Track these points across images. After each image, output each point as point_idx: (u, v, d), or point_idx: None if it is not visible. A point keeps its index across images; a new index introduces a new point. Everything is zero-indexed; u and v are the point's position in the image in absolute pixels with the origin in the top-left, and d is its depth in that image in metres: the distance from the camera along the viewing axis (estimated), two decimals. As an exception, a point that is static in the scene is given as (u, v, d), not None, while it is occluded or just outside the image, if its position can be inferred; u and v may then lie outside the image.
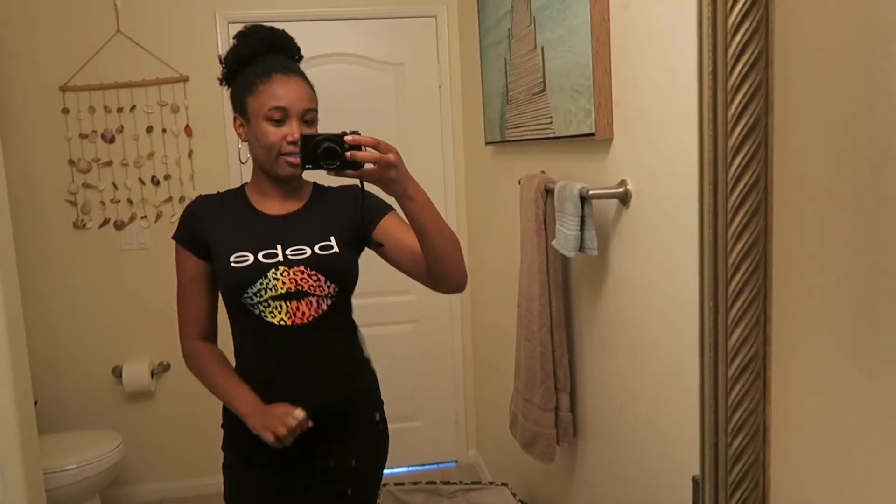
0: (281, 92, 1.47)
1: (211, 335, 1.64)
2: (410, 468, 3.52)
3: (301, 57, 1.62)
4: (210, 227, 1.57)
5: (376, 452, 1.70)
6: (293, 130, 1.46)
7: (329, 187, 1.64)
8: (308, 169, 1.25)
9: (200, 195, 1.65)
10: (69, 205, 3.10)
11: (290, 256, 1.50)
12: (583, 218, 1.56)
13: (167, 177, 3.15)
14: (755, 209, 0.73)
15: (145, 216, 3.16)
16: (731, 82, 0.70)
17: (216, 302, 1.63)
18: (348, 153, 1.21)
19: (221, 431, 1.65)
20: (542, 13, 1.85)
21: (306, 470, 1.58)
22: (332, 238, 1.53)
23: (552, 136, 1.85)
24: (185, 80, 3.10)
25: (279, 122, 1.47)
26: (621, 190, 1.50)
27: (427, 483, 2.52)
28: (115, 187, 3.13)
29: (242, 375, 1.55)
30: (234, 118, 1.57)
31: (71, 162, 3.08)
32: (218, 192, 1.66)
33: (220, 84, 1.60)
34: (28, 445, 2.19)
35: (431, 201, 1.34)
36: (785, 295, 0.81)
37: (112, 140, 3.09)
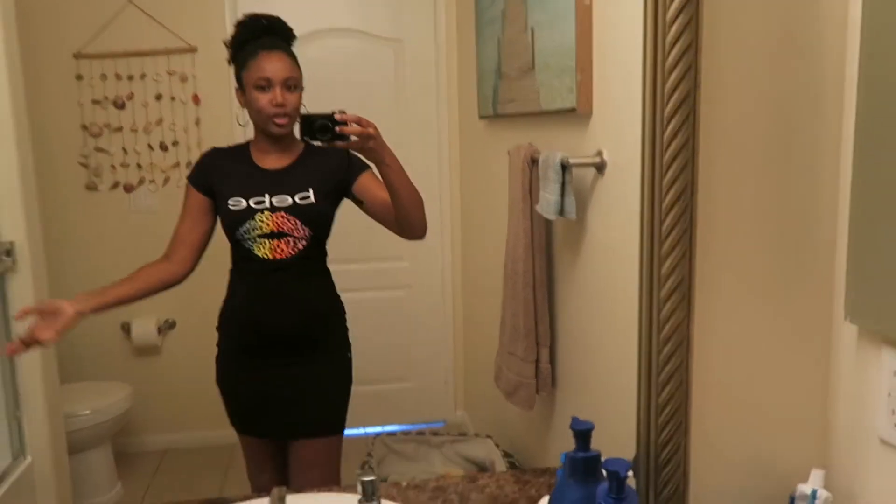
0: (265, 65, 1.81)
1: (180, 259, 1.96)
2: (401, 426, 3.70)
3: (293, 37, 1.93)
4: (216, 174, 1.93)
5: (339, 377, 2.04)
6: (276, 95, 1.80)
7: (318, 147, 1.83)
8: (307, 140, 1.60)
9: (214, 147, 2.01)
10: (82, 167, 3.26)
11: (274, 203, 1.86)
12: (563, 184, 1.73)
13: (175, 143, 3.30)
14: (684, 165, 0.92)
15: (153, 180, 3.32)
16: (668, 64, 0.88)
17: (201, 235, 1.96)
18: (338, 128, 1.55)
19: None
20: (533, -4, 2.01)
21: (273, 367, 1.95)
22: (311, 190, 1.87)
23: (538, 110, 2.02)
24: (193, 50, 3.24)
25: (265, 89, 1.81)
26: (598, 160, 1.67)
27: (417, 433, 2.71)
28: (125, 152, 3.28)
29: (231, 298, 1.98)
30: (235, 90, 1.91)
31: (84, 127, 3.23)
32: (228, 146, 2.01)
33: (228, 64, 1.92)
34: (51, 390, 2.37)
35: (402, 166, 1.69)
36: (707, 234, 1.08)
37: (122, 106, 3.24)
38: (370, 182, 1.88)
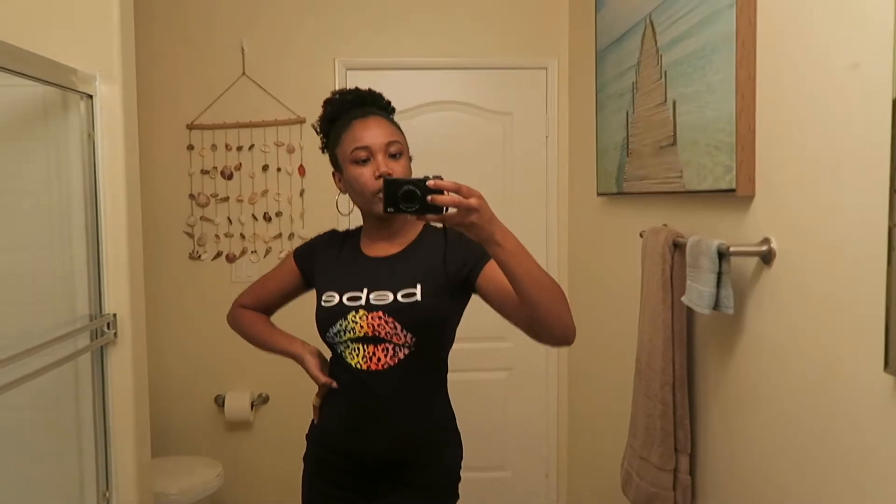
0: (360, 133, 1.53)
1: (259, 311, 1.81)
2: (497, 519, 3.45)
3: (392, 109, 1.67)
4: (320, 262, 1.70)
5: None
6: (379, 164, 1.50)
7: (441, 228, 1.55)
8: (390, 212, 1.26)
9: (334, 230, 1.77)
10: (187, 236, 3.24)
11: (371, 301, 1.53)
12: (720, 275, 1.52)
13: (278, 214, 3.26)
14: None
15: (255, 251, 3.27)
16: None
17: (274, 306, 1.82)
18: (429, 197, 1.21)
19: None
20: (676, 68, 1.85)
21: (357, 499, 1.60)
22: (419, 286, 1.52)
23: (681, 189, 1.83)
24: (301, 122, 3.22)
25: (365, 161, 1.52)
26: (764, 248, 1.46)
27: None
28: (230, 222, 3.25)
29: (323, 405, 1.64)
30: (333, 174, 1.65)
31: (191, 196, 3.22)
32: (347, 230, 1.75)
33: (323, 152, 1.67)
34: (142, 470, 2.26)
35: (524, 248, 1.27)
36: None
37: (230, 177, 3.23)
38: (497, 273, 1.42)
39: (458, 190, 1.19)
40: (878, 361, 1.13)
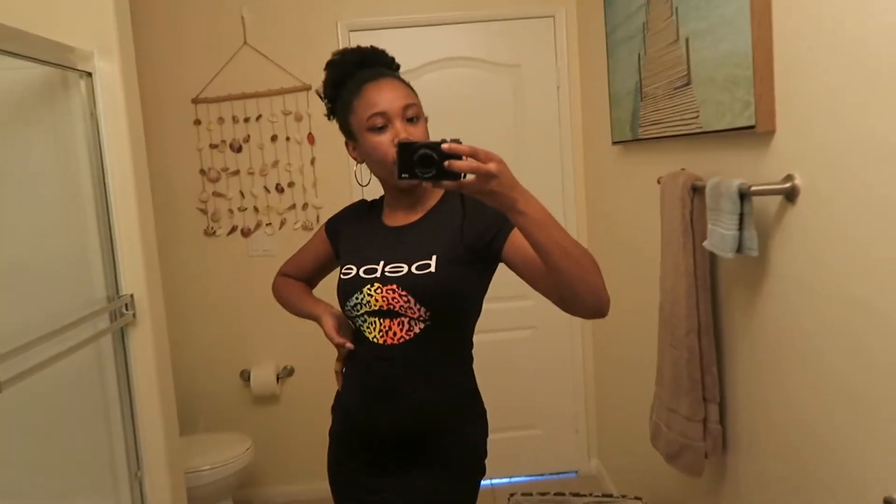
0: (374, 98, 1.42)
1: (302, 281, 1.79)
2: (530, 477, 3.45)
3: (397, 66, 1.57)
4: (346, 231, 1.65)
5: (454, 497, 1.52)
6: (398, 131, 1.41)
7: (460, 195, 1.41)
8: (405, 178, 1.15)
9: (363, 200, 1.70)
10: (200, 213, 3.22)
11: (387, 273, 1.45)
12: (742, 216, 1.46)
13: (291, 184, 3.22)
14: None
15: (270, 223, 3.24)
16: None
17: (315, 275, 1.79)
18: (445, 162, 1.11)
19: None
20: (686, 3, 1.76)
21: (377, 474, 1.55)
22: (434, 257, 1.43)
23: (698, 130, 1.76)
24: (307, 88, 3.16)
25: (382, 129, 1.42)
26: (788, 185, 1.39)
27: (556, 494, 2.45)
28: (242, 195, 3.22)
29: (345, 379, 1.60)
30: (346, 144, 1.55)
31: (202, 171, 3.19)
32: (374, 200, 1.67)
33: (329, 119, 1.58)
34: (171, 447, 2.27)
35: (550, 215, 1.17)
36: None
37: (239, 149, 3.19)
38: (524, 242, 1.33)
39: (474, 154, 1.10)
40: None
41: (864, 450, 1.25)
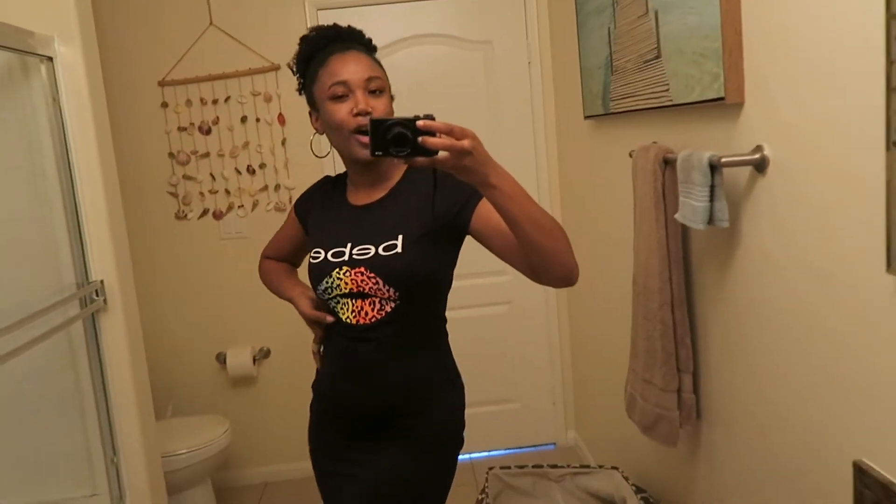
0: (338, 68, 1.42)
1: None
2: (508, 451, 3.49)
3: (374, 48, 1.55)
4: (313, 212, 1.64)
5: (429, 474, 1.53)
6: (358, 101, 1.40)
7: (430, 170, 1.40)
8: (378, 156, 1.13)
9: (327, 176, 1.69)
10: (171, 196, 3.18)
11: (354, 256, 1.45)
12: (713, 188, 1.47)
13: (262, 165, 3.19)
14: None
15: (242, 205, 3.21)
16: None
17: (293, 256, 1.80)
18: (419, 139, 1.09)
19: None
20: (655, -25, 1.76)
21: (354, 449, 1.56)
22: (400, 237, 1.43)
23: (668, 103, 1.77)
24: (276, 68, 3.12)
25: (343, 97, 1.41)
26: (757, 156, 1.41)
27: (534, 466, 2.48)
28: (213, 178, 3.18)
29: (323, 358, 1.62)
30: (310, 114, 1.54)
31: (171, 155, 3.15)
32: (338, 175, 1.66)
33: (300, 94, 1.55)
34: (147, 431, 2.26)
35: (521, 189, 1.18)
36: None
37: (209, 132, 3.15)
38: (491, 212, 1.34)
39: (450, 131, 1.09)
40: (879, 264, 1.10)
41: (832, 416, 1.28)
